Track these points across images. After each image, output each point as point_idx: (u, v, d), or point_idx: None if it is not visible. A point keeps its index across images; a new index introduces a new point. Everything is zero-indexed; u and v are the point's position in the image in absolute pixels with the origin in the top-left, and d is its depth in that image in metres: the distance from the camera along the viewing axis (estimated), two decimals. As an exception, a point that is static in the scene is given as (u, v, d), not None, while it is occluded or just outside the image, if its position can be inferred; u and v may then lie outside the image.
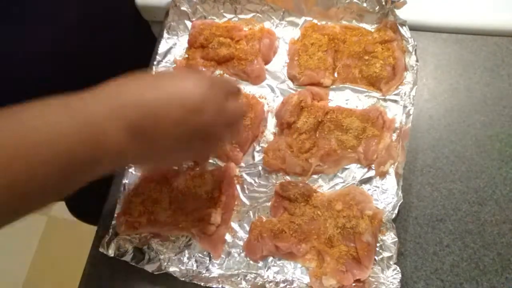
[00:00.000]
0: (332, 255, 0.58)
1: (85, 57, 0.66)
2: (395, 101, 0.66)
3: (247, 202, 0.63)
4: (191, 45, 0.72)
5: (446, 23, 0.72)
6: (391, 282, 0.56)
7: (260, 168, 0.65)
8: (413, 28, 0.69)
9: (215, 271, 0.59)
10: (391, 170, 0.62)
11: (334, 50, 0.69)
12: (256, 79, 0.69)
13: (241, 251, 0.60)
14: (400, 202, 0.59)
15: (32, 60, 0.59)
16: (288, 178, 0.63)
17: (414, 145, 0.65)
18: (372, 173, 0.63)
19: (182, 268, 0.59)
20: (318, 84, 0.67)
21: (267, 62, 0.71)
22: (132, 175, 0.64)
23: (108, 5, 0.70)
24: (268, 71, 0.70)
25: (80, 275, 0.61)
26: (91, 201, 0.67)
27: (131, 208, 0.61)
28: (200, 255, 0.60)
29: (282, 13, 0.73)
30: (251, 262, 0.59)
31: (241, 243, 0.61)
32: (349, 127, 0.63)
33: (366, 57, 0.67)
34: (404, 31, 0.67)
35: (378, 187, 0.62)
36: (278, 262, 0.59)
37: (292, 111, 0.64)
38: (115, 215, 0.62)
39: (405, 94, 0.66)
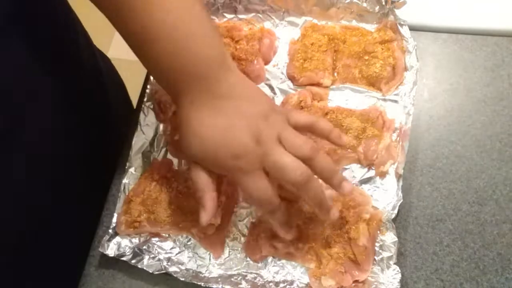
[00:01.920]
0: (331, 256, 0.58)
1: None
2: (395, 101, 0.66)
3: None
4: (191, 45, 0.72)
5: (446, 23, 0.72)
6: (391, 282, 0.56)
7: (260, 168, 0.64)
8: (413, 28, 0.69)
9: (215, 271, 0.59)
10: (391, 170, 0.62)
11: (334, 50, 0.69)
12: (256, 79, 0.69)
13: (241, 251, 0.60)
14: (400, 202, 0.59)
15: None
16: (288, 178, 0.63)
17: (414, 145, 0.65)
18: (372, 173, 0.63)
19: (182, 268, 0.59)
20: (318, 84, 0.67)
21: (267, 62, 0.70)
22: (132, 175, 0.64)
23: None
24: (268, 71, 0.70)
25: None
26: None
27: (131, 208, 0.61)
28: (200, 255, 0.60)
29: (282, 13, 0.73)
30: (251, 262, 0.59)
31: (241, 243, 0.61)
32: (349, 127, 0.63)
33: (366, 57, 0.67)
34: (404, 31, 0.67)
35: (378, 187, 0.62)
36: (278, 262, 0.59)
37: (292, 111, 0.64)
38: (115, 215, 0.62)
39: (405, 94, 0.66)
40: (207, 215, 0.51)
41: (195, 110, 0.49)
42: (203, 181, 0.51)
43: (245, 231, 0.61)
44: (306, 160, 0.49)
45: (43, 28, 0.56)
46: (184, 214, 0.61)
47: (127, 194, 0.63)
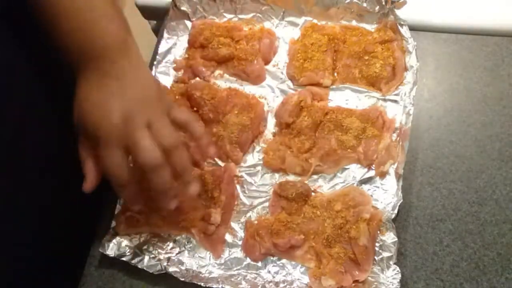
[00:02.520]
0: (331, 256, 0.58)
1: None
2: (395, 101, 0.66)
3: (247, 202, 0.63)
4: (191, 45, 0.72)
5: (446, 23, 0.72)
6: (391, 282, 0.56)
7: (260, 168, 0.64)
8: (413, 28, 0.69)
9: (215, 271, 0.59)
10: (391, 170, 0.62)
11: (334, 50, 0.69)
12: (256, 79, 0.69)
13: (241, 251, 0.60)
14: (400, 202, 0.59)
15: None
16: (288, 178, 0.63)
17: (414, 145, 0.65)
18: (372, 173, 0.63)
19: (182, 268, 0.59)
20: (318, 84, 0.67)
21: (267, 62, 0.70)
22: (132, 175, 0.64)
23: None
24: (268, 71, 0.70)
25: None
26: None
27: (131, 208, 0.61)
28: (200, 255, 0.60)
29: (282, 13, 0.73)
30: (251, 262, 0.59)
31: (241, 243, 0.61)
32: (349, 127, 0.63)
33: (366, 57, 0.67)
34: (404, 31, 0.67)
35: (378, 187, 0.62)
36: (278, 262, 0.59)
37: (292, 111, 0.64)
38: (115, 215, 0.62)
39: (405, 94, 0.66)
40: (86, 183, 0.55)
41: (85, 86, 0.52)
42: (83, 154, 0.55)
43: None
44: (166, 151, 0.52)
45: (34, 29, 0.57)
46: (184, 214, 0.61)
47: (127, 194, 0.63)
